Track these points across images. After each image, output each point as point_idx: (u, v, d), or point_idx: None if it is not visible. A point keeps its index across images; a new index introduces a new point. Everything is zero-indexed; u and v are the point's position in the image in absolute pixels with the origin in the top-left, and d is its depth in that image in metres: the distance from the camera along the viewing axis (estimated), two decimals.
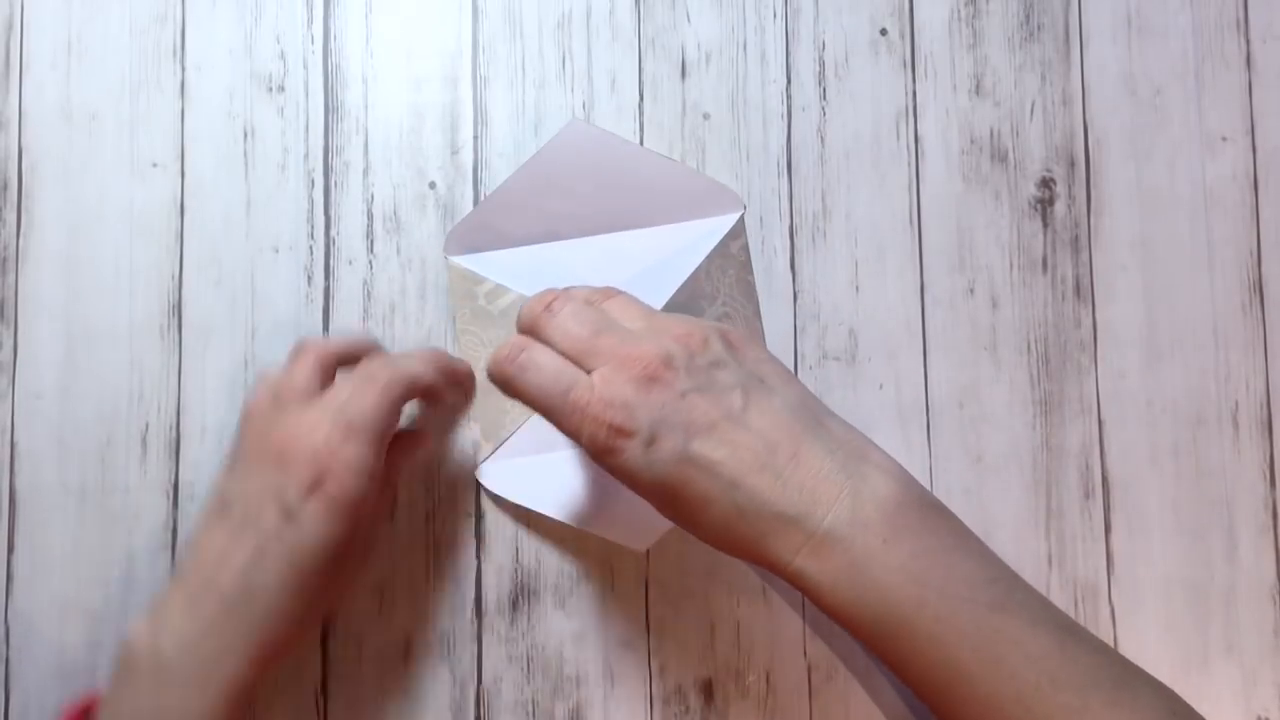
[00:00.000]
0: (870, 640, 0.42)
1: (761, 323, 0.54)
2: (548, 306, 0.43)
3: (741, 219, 0.55)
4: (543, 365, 0.42)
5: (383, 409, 0.44)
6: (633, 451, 0.41)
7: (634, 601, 0.53)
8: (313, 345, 0.47)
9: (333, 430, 0.43)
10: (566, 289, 0.45)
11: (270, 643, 0.44)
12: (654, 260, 0.54)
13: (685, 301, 0.53)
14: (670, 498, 0.41)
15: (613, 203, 0.54)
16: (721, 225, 0.54)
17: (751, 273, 0.55)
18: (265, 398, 0.46)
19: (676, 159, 0.55)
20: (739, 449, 0.41)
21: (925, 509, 0.42)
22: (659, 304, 0.52)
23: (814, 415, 0.43)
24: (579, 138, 0.53)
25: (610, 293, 0.46)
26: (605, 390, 0.41)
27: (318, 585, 0.44)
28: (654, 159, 0.54)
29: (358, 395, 0.44)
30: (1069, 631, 0.42)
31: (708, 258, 0.54)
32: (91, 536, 0.53)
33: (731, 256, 0.54)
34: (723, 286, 0.54)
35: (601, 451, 0.41)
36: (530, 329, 0.44)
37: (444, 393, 0.48)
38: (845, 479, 0.41)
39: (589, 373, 0.42)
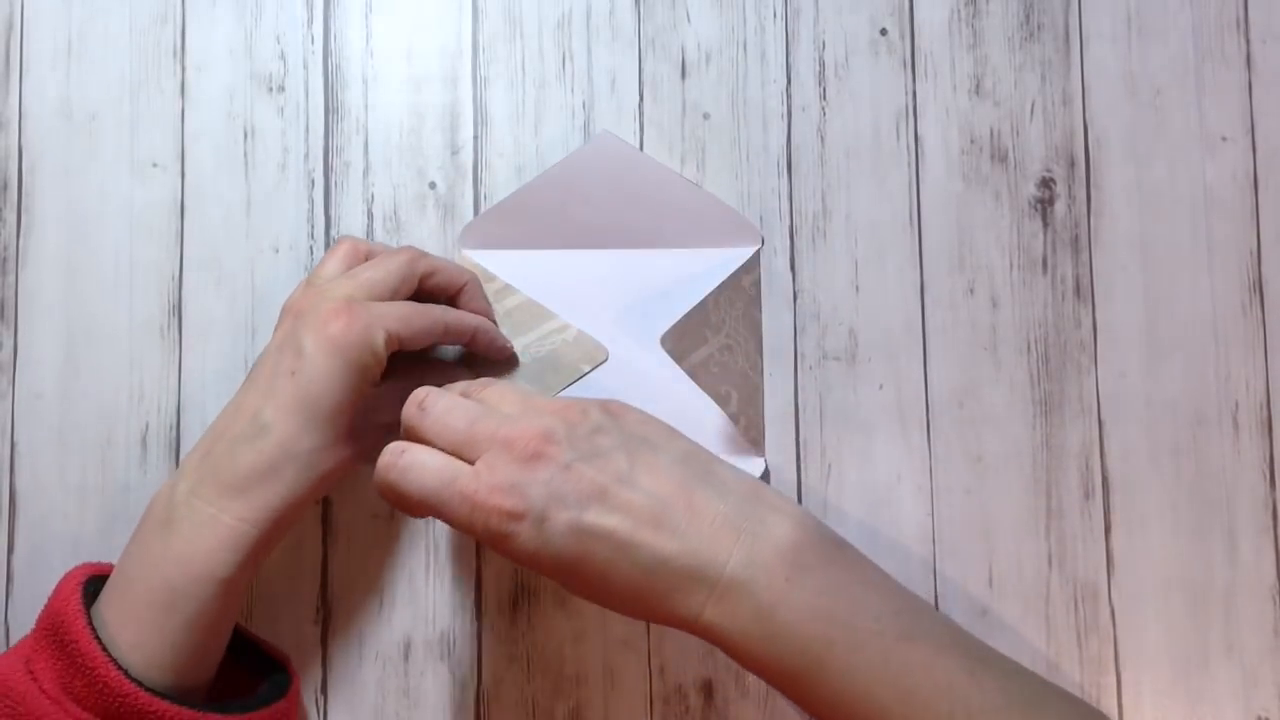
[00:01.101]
0: (786, 684, 0.41)
1: (762, 359, 0.54)
2: (420, 405, 0.42)
3: (758, 254, 0.55)
4: (425, 463, 0.41)
5: (396, 275, 0.47)
6: (527, 533, 0.40)
7: None
8: (348, 239, 0.50)
9: (349, 288, 0.46)
10: (441, 387, 0.44)
11: (283, 488, 0.44)
12: (664, 283, 0.54)
13: (690, 328, 0.53)
14: (572, 572, 0.41)
15: (632, 219, 0.54)
16: (737, 257, 0.54)
17: (759, 309, 0.55)
18: (299, 286, 0.49)
19: (694, 180, 0.55)
20: (632, 511, 0.40)
21: (825, 545, 0.42)
22: (664, 327, 0.52)
23: (703, 465, 0.42)
24: (608, 150, 0.53)
25: (485, 383, 0.45)
26: (490, 476, 0.40)
27: (326, 431, 0.44)
28: (680, 182, 0.54)
29: (376, 264, 0.48)
30: (978, 658, 0.42)
31: (718, 288, 0.54)
32: (91, 536, 0.53)
33: (742, 290, 0.54)
34: (729, 319, 0.54)
35: (497, 538, 0.40)
36: (408, 431, 0.43)
37: (448, 294, 0.50)
38: (742, 523, 0.41)
39: (472, 463, 0.41)
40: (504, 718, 0.52)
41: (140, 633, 0.42)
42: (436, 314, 0.48)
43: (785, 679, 0.41)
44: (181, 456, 0.53)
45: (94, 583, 0.45)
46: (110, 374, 0.54)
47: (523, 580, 0.53)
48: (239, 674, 0.49)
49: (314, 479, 0.45)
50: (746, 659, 0.41)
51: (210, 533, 0.43)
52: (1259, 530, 0.54)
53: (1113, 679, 0.53)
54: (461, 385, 0.45)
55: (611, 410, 0.43)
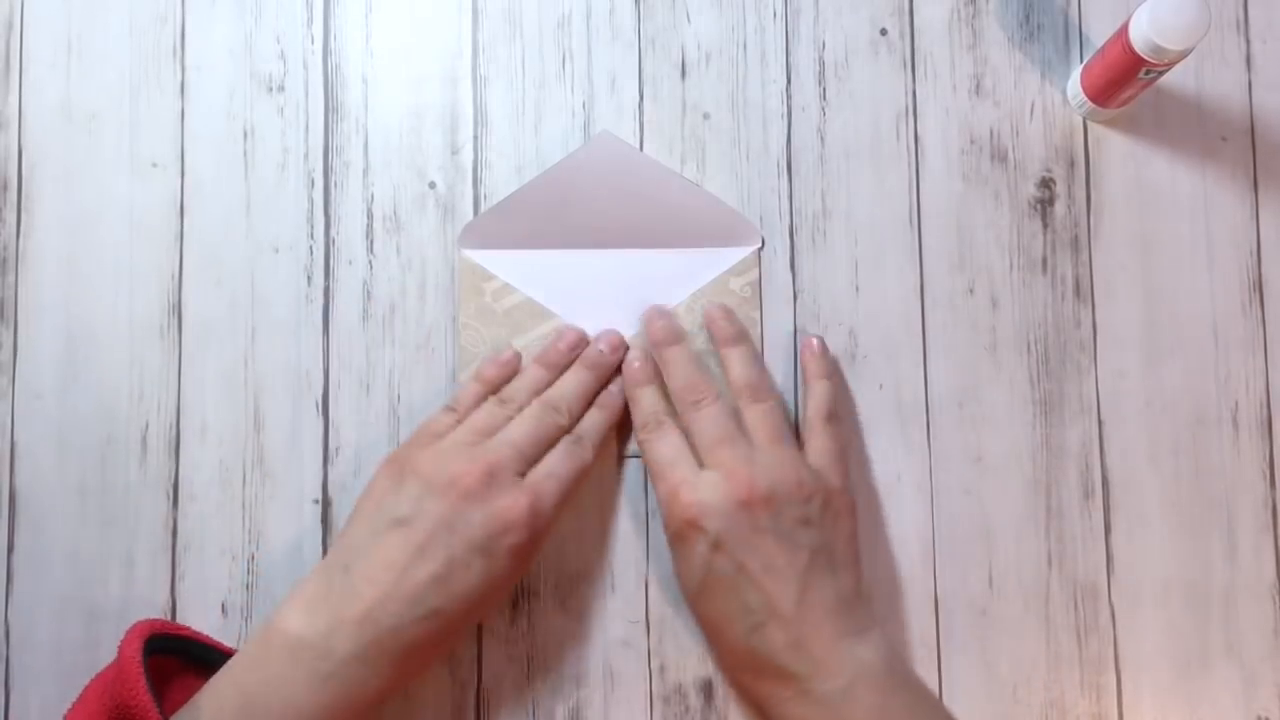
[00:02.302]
0: None
1: (761, 359, 0.54)
2: (696, 402, 0.50)
3: (757, 254, 0.55)
4: (672, 443, 0.50)
5: (576, 476, 0.50)
6: (699, 547, 0.47)
7: (634, 601, 0.53)
8: (487, 376, 0.52)
9: (534, 476, 0.49)
10: (720, 392, 0.51)
11: (423, 662, 0.47)
12: (664, 282, 0.54)
13: None
14: (703, 595, 0.48)
15: (630, 219, 0.54)
16: (728, 257, 0.54)
17: (758, 309, 0.55)
18: (446, 418, 0.51)
19: (694, 180, 0.55)
20: (775, 600, 0.46)
21: (909, 695, 0.48)
22: (636, 329, 0.54)
23: (850, 603, 0.48)
24: (607, 150, 0.53)
25: (762, 395, 0.51)
26: (702, 489, 0.48)
27: (478, 617, 0.50)
28: (679, 182, 0.54)
29: (562, 459, 0.50)
30: None
31: (693, 295, 0.54)
32: (91, 536, 0.53)
33: (731, 294, 0.54)
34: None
35: (674, 533, 0.49)
36: (678, 402, 0.51)
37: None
38: (850, 660, 0.46)
39: (702, 467, 0.49)
40: (504, 718, 0.52)
41: None
42: (588, 453, 0.51)
43: None
44: (181, 456, 0.53)
45: (153, 641, 0.46)
46: (110, 374, 0.54)
47: (523, 580, 0.53)
48: None
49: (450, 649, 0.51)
50: None
51: (367, 693, 0.45)
52: (1259, 530, 0.54)
53: (1113, 679, 0.53)
54: (745, 378, 0.51)
55: (831, 510, 0.49)
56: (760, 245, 0.55)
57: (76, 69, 0.55)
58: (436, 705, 0.52)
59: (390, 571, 0.45)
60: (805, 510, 0.48)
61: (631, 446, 0.53)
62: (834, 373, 0.53)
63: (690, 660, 0.53)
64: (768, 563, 0.47)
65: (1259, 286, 0.55)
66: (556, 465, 0.49)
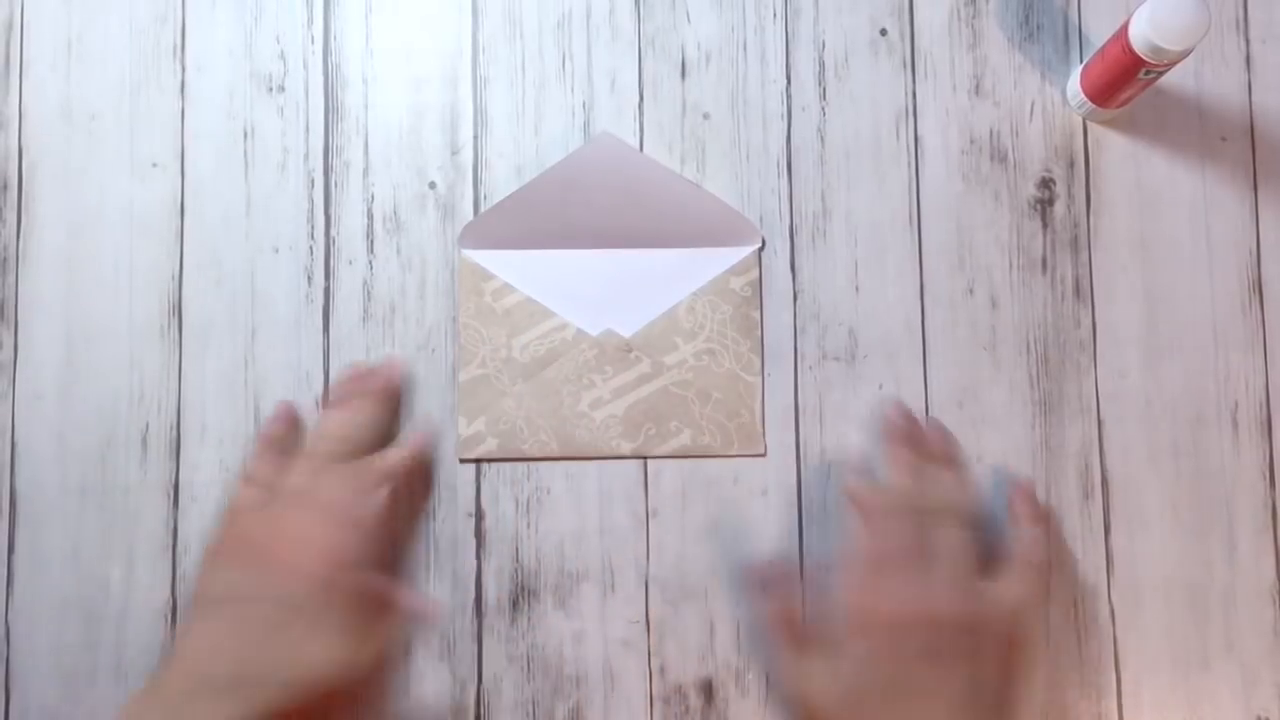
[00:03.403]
0: None
1: (761, 359, 0.54)
2: (925, 497, 0.50)
3: (756, 254, 0.55)
4: (897, 539, 0.48)
5: (377, 508, 0.46)
6: (873, 648, 0.46)
7: (634, 601, 0.53)
8: (264, 432, 0.50)
9: (333, 526, 0.45)
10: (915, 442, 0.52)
11: None
12: (663, 281, 0.54)
13: (658, 335, 0.54)
14: (901, 695, 0.45)
15: (632, 219, 0.54)
16: (728, 257, 0.54)
17: (758, 309, 0.55)
18: (244, 491, 0.47)
19: (694, 180, 0.55)
20: (981, 699, 0.45)
21: None
22: (635, 329, 0.54)
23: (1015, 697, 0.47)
24: (607, 150, 0.53)
25: (969, 523, 0.49)
26: (919, 584, 0.47)
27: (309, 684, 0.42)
28: (679, 182, 0.54)
29: (353, 491, 0.46)
30: None
31: (694, 294, 0.54)
32: (91, 536, 0.53)
33: (732, 293, 0.54)
34: (710, 323, 0.54)
35: (883, 620, 0.46)
36: (901, 507, 0.49)
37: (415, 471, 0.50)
38: None
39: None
40: (504, 718, 0.52)
41: None
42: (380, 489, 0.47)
43: None
44: (181, 456, 0.53)
45: None
46: (110, 374, 0.54)
47: (523, 580, 0.53)
48: None
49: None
50: None
51: None
52: (1259, 530, 0.54)
53: (1113, 679, 0.53)
54: (964, 503, 0.50)
55: (1001, 653, 0.47)
56: (760, 245, 0.55)
57: (76, 69, 0.55)
58: (436, 705, 0.52)
59: (197, 647, 0.43)
60: (974, 641, 0.47)
61: (633, 446, 0.54)
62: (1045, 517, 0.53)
63: (690, 660, 0.53)
64: (957, 658, 0.46)
65: (1259, 286, 0.55)
66: (329, 492, 0.47)
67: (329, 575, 0.44)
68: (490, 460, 0.53)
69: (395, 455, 0.48)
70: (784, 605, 0.50)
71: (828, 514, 0.54)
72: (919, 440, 0.52)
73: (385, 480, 0.47)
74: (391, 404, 0.51)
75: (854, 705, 0.46)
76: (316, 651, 0.42)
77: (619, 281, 0.54)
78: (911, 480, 0.50)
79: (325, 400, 0.53)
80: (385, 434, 0.50)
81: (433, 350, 0.54)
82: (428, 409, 0.53)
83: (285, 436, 0.50)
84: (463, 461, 0.53)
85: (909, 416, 0.53)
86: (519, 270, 0.54)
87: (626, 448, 0.54)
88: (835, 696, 0.46)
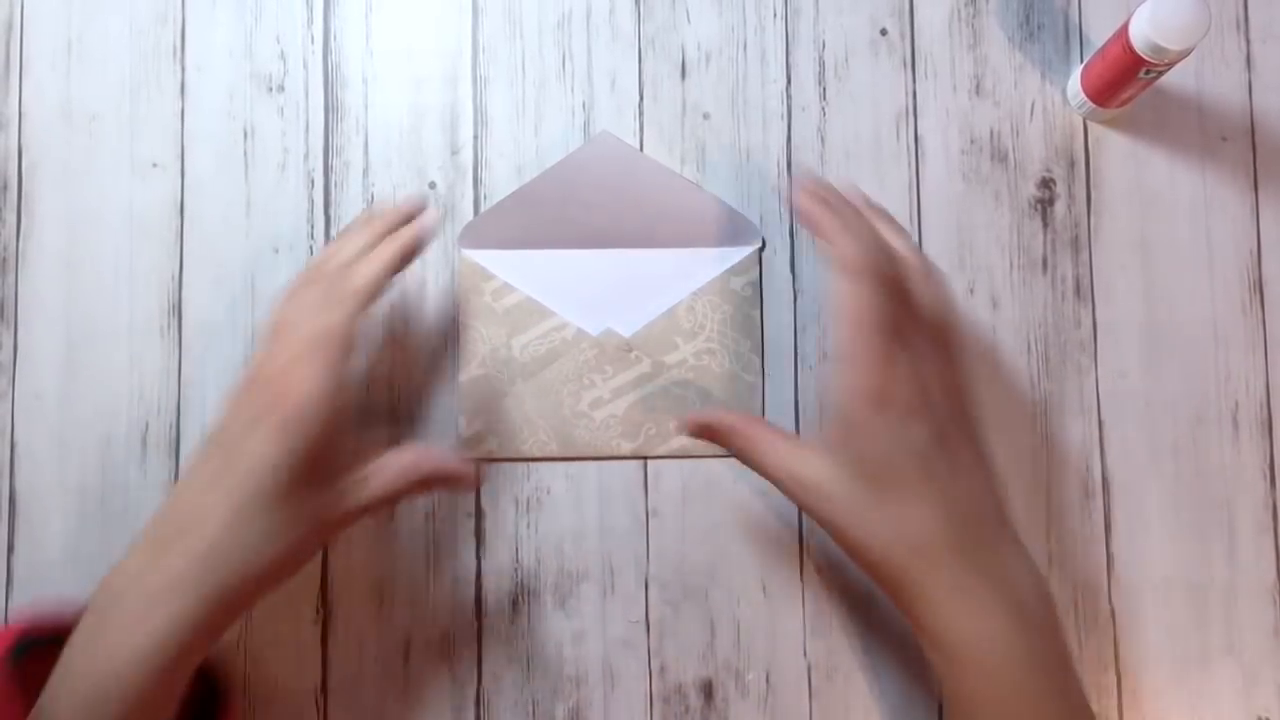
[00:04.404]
0: (980, 707, 0.43)
1: (762, 359, 0.54)
2: (918, 261, 0.47)
3: (756, 255, 0.55)
4: (888, 312, 0.44)
5: (335, 327, 0.44)
6: (901, 420, 0.43)
7: (634, 601, 0.53)
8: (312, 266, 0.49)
9: (290, 353, 0.44)
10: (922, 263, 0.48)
11: (219, 581, 0.42)
12: (663, 281, 0.54)
13: (658, 335, 0.54)
14: (899, 479, 0.43)
15: (632, 219, 0.54)
16: (727, 257, 0.54)
17: (758, 308, 0.54)
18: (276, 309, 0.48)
19: (694, 180, 0.55)
20: (974, 494, 0.44)
21: (1056, 616, 0.45)
22: (635, 328, 0.54)
23: (1009, 516, 0.46)
24: (607, 150, 0.53)
25: (929, 281, 0.47)
26: (911, 365, 0.44)
27: (268, 519, 0.42)
28: (679, 182, 0.54)
29: (315, 310, 0.45)
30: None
31: (694, 294, 0.54)
32: (91, 536, 0.53)
33: (732, 293, 0.54)
34: (710, 323, 0.54)
35: (879, 397, 0.43)
36: (888, 271, 0.45)
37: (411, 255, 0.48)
38: (1026, 571, 0.44)
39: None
40: (504, 718, 0.52)
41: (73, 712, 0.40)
42: (355, 310, 0.46)
43: (971, 698, 0.43)
44: (182, 456, 0.53)
45: (26, 643, 0.44)
46: (110, 374, 0.54)
47: (523, 580, 0.53)
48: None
49: (254, 573, 0.43)
50: (954, 664, 0.44)
51: (144, 628, 0.41)
52: (1259, 530, 0.54)
53: (1113, 679, 0.53)
54: (914, 254, 0.48)
55: (979, 437, 0.46)
56: (761, 245, 0.55)
57: (76, 69, 0.55)
58: (436, 705, 0.52)
59: (171, 508, 0.45)
60: (967, 408, 0.46)
61: (633, 446, 0.54)
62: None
63: (690, 660, 0.53)
64: (957, 449, 0.44)
65: (1259, 286, 0.55)
66: (309, 320, 0.45)
67: (304, 434, 0.43)
68: (490, 460, 0.53)
69: (366, 267, 0.46)
70: (751, 432, 0.47)
71: None
72: (847, 203, 0.48)
73: (359, 294, 0.45)
74: (405, 248, 0.48)
75: (882, 472, 0.44)
76: (275, 531, 0.43)
77: (619, 281, 0.54)
78: (869, 238, 0.46)
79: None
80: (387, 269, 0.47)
81: (433, 350, 0.54)
82: (428, 410, 0.53)
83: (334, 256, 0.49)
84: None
85: (824, 184, 0.49)
86: (519, 270, 0.54)
87: (626, 448, 0.54)
88: (860, 479, 0.44)
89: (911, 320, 0.45)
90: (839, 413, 0.45)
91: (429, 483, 0.47)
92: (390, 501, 0.46)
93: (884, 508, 0.44)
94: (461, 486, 0.50)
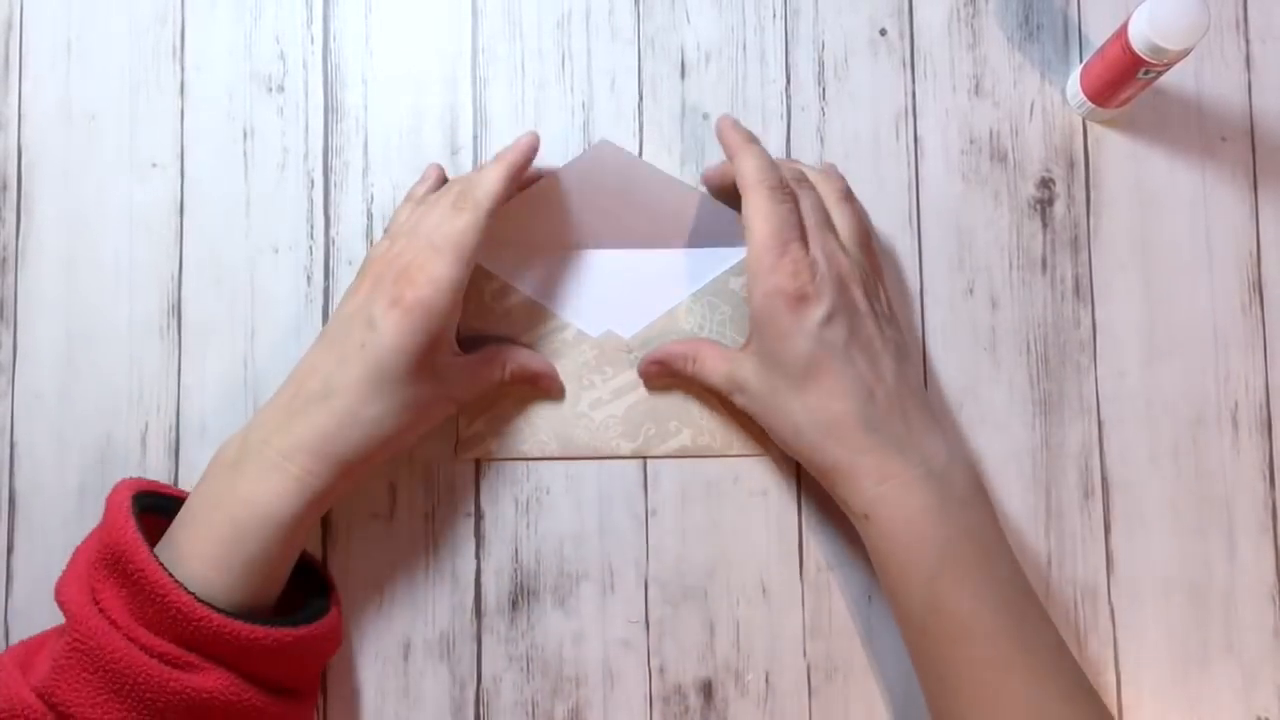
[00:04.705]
0: (911, 578, 0.47)
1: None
2: (801, 181, 0.50)
3: None
4: (790, 211, 0.48)
5: (466, 227, 0.48)
6: (808, 321, 0.47)
7: (634, 601, 0.53)
8: (411, 190, 0.53)
9: (419, 249, 0.48)
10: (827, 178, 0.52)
11: (347, 447, 0.46)
12: (653, 283, 0.54)
13: (658, 336, 0.54)
14: (810, 374, 0.47)
15: (630, 221, 0.54)
16: (728, 257, 0.54)
17: None
18: (382, 239, 0.51)
19: (693, 180, 0.55)
20: (884, 376, 0.48)
21: (989, 497, 0.49)
22: (635, 329, 0.54)
23: (925, 395, 0.50)
24: (606, 158, 0.53)
25: (849, 203, 0.51)
26: (816, 265, 0.47)
27: (395, 395, 0.47)
28: (678, 185, 0.54)
29: (444, 217, 0.49)
30: (1068, 652, 0.47)
31: (693, 295, 0.54)
32: None
33: (732, 293, 0.54)
34: (710, 323, 0.54)
35: (784, 304, 0.47)
36: (787, 182, 0.49)
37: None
38: (945, 445, 0.48)
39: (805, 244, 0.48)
40: (504, 718, 0.52)
41: (207, 565, 0.44)
42: (483, 218, 0.49)
43: (916, 575, 0.46)
44: (181, 456, 0.53)
45: (142, 499, 0.47)
46: (110, 374, 0.54)
47: (523, 580, 0.53)
48: (288, 590, 0.50)
49: (378, 442, 0.47)
50: (890, 544, 0.47)
51: (277, 478, 0.46)
52: (1259, 530, 0.54)
53: (1113, 679, 0.53)
54: (828, 182, 0.52)
55: (898, 322, 0.51)
56: None
57: (76, 69, 0.55)
58: (436, 705, 0.52)
59: (304, 369, 0.48)
60: (885, 310, 0.50)
61: (633, 446, 0.54)
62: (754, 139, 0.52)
63: (690, 660, 0.53)
64: (870, 338, 0.48)
65: (1259, 286, 0.55)
66: (435, 226, 0.48)
67: (423, 333, 0.47)
68: (490, 460, 0.53)
69: (491, 172, 0.50)
70: (689, 358, 0.52)
71: (828, 514, 0.53)
72: (753, 135, 0.52)
73: (489, 197, 0.49)
74: (523, 151, 0.51)
75: (817, 374, 0.47)
76: (386, 365, 0.46)
77: (619, 282, 0.54)
78: (786, 164, 0.52)
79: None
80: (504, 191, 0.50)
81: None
82: None
83: (428, 195, 0.52)
84: (462, 460, 0.54)
85: (732, 121, 0.52)
86: (519, 270, 0.54)
87: (626, 448, 0.54)
88: (799, 372, 0.47)
89: (822, 228, 0.49)
90: (758, 316, 0.48)
91: (527, 379, 0.53)
92: (498, 388, 0.52)
93: (804, 398, 0.47)
94: (550, 389, 0.54)
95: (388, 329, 0.46)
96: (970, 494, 0.47)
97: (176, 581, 0.43)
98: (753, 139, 0.51)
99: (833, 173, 0.53)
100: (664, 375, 0.53)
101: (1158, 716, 0.53)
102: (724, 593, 0.53)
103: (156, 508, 0.48)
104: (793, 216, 0.48)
